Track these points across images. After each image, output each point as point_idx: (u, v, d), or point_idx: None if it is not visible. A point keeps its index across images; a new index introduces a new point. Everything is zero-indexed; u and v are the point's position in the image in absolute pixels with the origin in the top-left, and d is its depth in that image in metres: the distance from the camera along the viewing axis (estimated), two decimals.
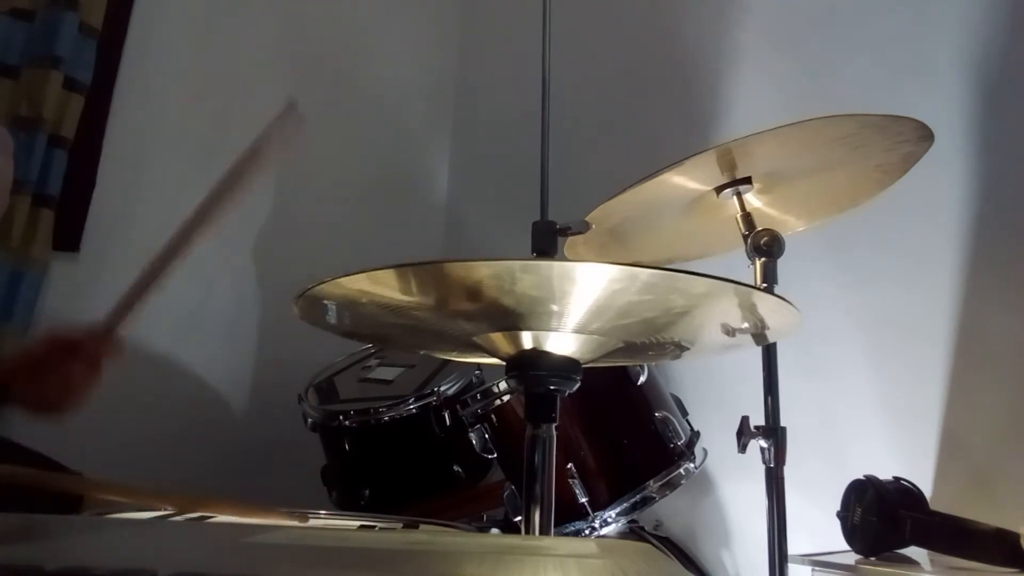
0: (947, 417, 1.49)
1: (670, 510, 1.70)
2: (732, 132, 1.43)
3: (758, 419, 1.16)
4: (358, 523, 1.00)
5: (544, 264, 0.73)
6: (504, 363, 0.85)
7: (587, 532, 1.34)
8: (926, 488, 1.36)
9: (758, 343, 1.00)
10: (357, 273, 0.71)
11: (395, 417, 1.50)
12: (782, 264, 1.17)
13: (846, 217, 1.34)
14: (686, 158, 1.15)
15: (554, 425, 0.83)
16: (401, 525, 1.02)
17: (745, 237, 1.20)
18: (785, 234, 1.18)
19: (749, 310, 0.80)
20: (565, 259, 1.27)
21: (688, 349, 0.92)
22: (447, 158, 2.69)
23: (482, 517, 1.45)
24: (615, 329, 0.80)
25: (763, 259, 1.17)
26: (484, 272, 0.71)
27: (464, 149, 2.67)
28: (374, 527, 0.97)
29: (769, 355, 1.19)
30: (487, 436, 1.41)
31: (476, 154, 2.64)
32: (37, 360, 1.09)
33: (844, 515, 1.21)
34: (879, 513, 1.14)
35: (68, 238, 1.83)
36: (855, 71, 1.74)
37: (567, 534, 1.32)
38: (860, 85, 1.72)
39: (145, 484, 0.81)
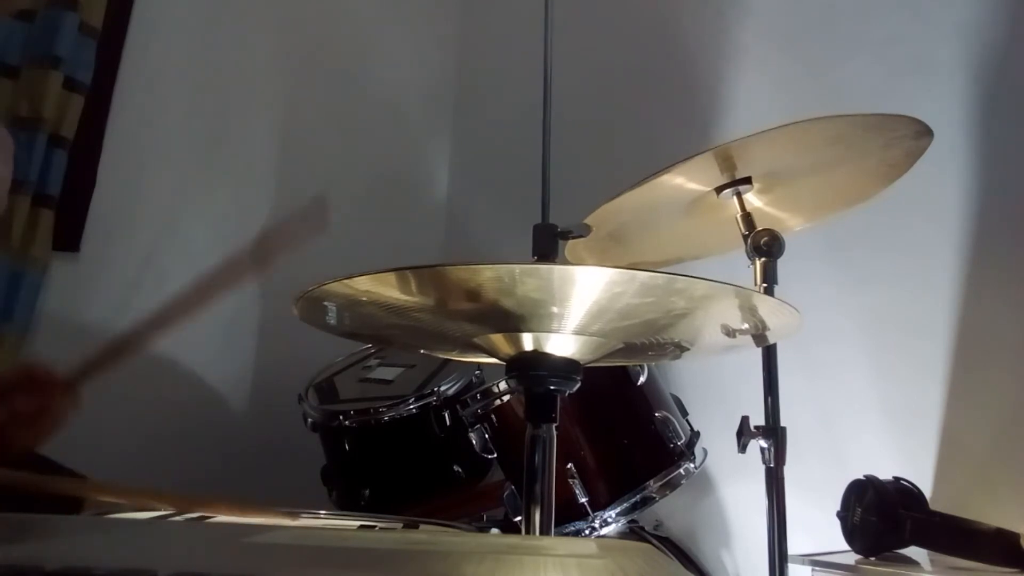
0: (947, 417, 1.49)
1: (670, 510, 1.70)
2: (732, 132, 1.43)
3: (758, 419, 1.16)
4: (358, 523, 1.00)
5: (545, 268, 0.73)
6: (504, 363, 0.85)
7: (587, 532, 1.34)
8: (926, 488, 1.36)
9: (758, 344, 1.01)
10: (358, 276, 0.71)
11: (395, 417, 1.50)
12: (782, 264, 1.17)
13: (846, 217, 1.34)
14: (686, 158, 1.15)
15: (554, 425, 0.83)
16: (401, 525, 1.02)
17: (745, 237, 1.20)
18: (785, 234, 1.18)
19: (749, 312, 0.80)
20: (566, 262, 1.27)
21: (688, 350, 0.92)
22: (447, 158, 2.69)
23: (482, 517, 1.46)
24: (615, 330, 0.80)
25: (763, 259, 1.17)
26: (486, 275, 0.71)
27: (464, 150, 2.67)
28: (374, 527, 0.97)
29: (769, 355, 1.18)
30: (487, 436, 1.41)
31: (476, 154, 2.64)
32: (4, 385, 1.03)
33: (844, 515, 1.21)
34: (879, 513, 1.14)
35: (68, 238, 1.83)
36: (855, 71, 1.73)
37: (567, 534, 1.32)
38: (860, 85, 1.72)
39: (143, 487, 0.80)
